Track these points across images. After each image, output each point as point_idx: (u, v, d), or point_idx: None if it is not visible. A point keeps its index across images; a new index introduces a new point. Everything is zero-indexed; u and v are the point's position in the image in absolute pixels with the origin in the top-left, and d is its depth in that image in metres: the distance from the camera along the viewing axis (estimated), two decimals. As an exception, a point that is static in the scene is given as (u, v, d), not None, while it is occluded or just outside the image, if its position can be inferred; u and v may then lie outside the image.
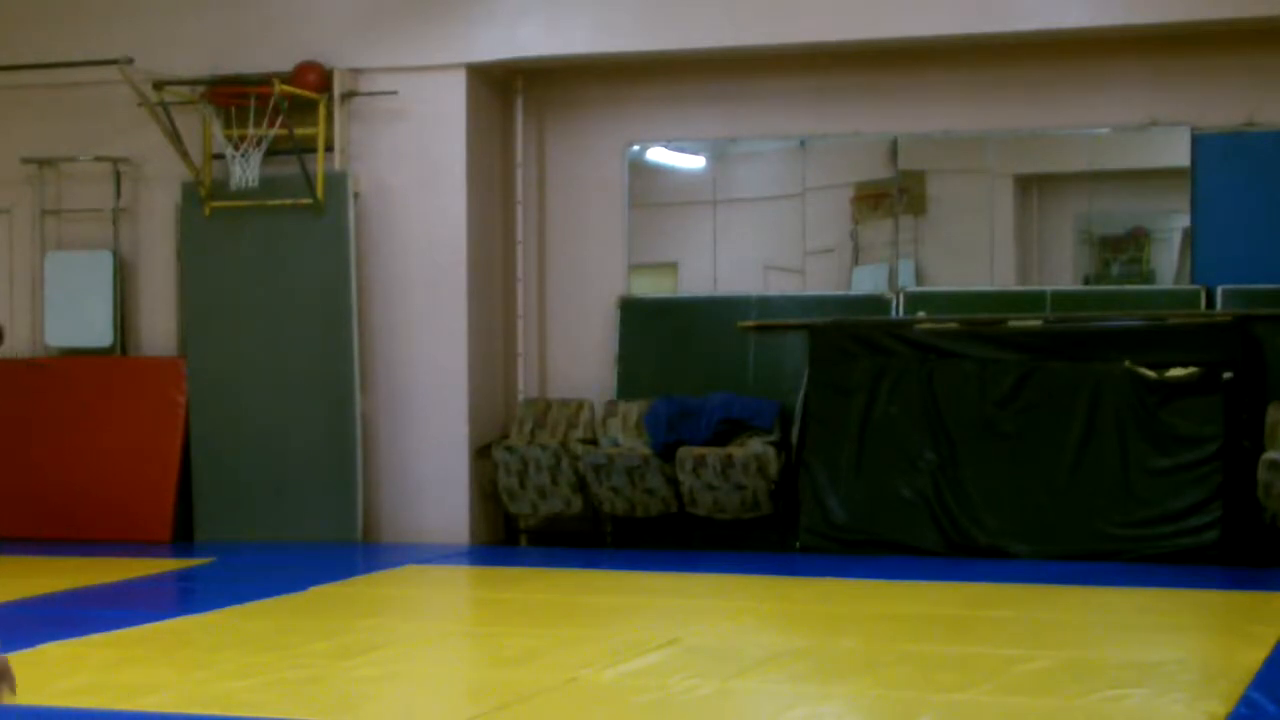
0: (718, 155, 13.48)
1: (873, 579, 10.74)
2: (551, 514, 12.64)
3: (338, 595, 10.33)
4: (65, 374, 13.33)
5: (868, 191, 13.03)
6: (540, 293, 13.36)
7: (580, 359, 13.22)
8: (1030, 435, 11.73)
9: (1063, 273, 12.74)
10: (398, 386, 12.90)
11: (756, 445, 12.23)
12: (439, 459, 12.79)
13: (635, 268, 13.28)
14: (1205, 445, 11.37)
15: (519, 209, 13.28)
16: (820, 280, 13.00)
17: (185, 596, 10.97)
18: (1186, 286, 12.11)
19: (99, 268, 13.34)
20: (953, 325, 12.16)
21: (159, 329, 13.45)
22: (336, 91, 12.78)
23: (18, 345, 13.65)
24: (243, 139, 12.66)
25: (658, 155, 13.49)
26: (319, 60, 12.79)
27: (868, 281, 12.93)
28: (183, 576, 11.47)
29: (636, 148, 13.27)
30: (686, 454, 12.18)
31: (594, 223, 13.27)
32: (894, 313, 12.53)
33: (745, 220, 13.38)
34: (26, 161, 13.50)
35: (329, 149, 12.77)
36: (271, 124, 12.52)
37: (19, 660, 7.87)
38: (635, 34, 12.54)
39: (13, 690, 4.80)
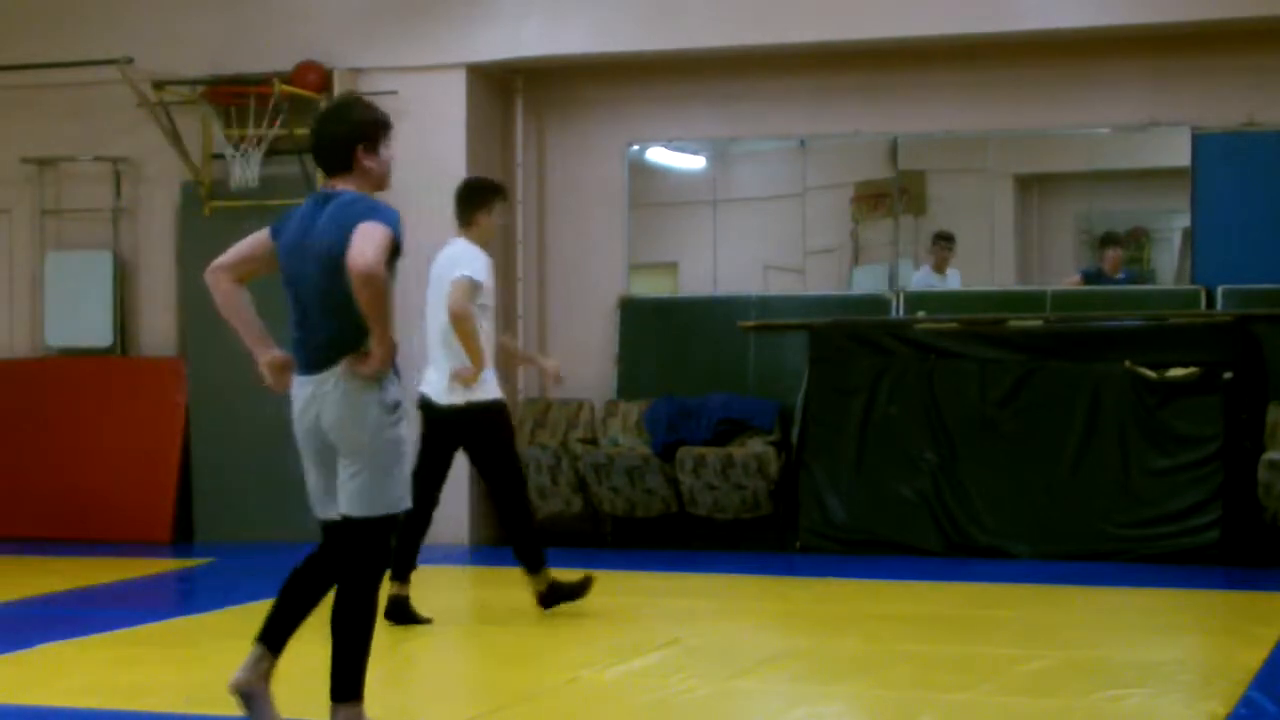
0: (718, 155, 13.48)
1: (873, 579, 10.73)
2: (551, 514, 12.62)
3: (338, 595, 10.30)
4: (65, 374, 13.33)
5: (868, 191, 13.02)
6: (540, 293, 13.35)
7: (580, 359, 13.18)
8: (1030, 435, 11.72)
9: (1063, 273, 12.75)
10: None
11: (756, 445, 12.22)
12: (439, 459, 12.75)
13: (635, 268, 13.28)
14: (1205, 445, 11.36)
15: (519, 209, 13.27)
16: (820, 280, 13.01)
17: (185, 596, 10.97)
18: (1186, 286, 12.10)
19: (99, 268, 13.33)
20: (953, 325, 12.15)
21: (159, 329, 13.44)
22: (336, 91, 12.77)
23: (17, 346, 13.67)
24: (243, 139, 12.66)
25: (658, 155, 13.49)
26: (319, 60, 12.78)
27: (868, 281, 12.94)
28: (183, 576, 11.47)
29: (636, 148, 13.27)
30: (686, 454, 12.18)
31: (594, 223, 13.27)
32: (894, 313, 12.53)
33: (745, 220, 13.38)
34: (26, 161, 13.50)
35: (329, 149, 12.75)
36: (272, 124, 12.53)
37: (19, 660, 7.89)
38: (635, 34, 12.54)
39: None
